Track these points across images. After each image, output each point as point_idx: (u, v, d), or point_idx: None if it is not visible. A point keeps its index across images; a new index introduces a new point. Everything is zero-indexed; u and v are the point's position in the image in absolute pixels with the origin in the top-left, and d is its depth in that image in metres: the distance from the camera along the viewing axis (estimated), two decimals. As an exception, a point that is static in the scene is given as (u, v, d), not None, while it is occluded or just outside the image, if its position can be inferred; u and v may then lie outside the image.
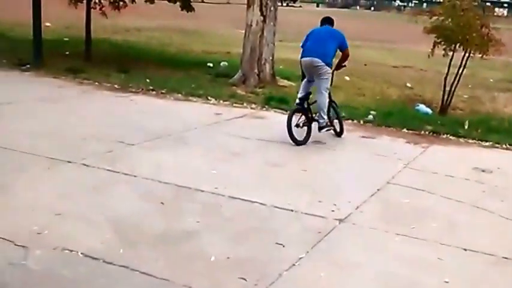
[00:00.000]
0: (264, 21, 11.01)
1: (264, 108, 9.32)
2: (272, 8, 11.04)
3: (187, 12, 13.27)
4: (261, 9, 10.93)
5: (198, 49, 17.21)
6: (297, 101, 7.44)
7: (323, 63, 7.18)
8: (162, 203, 4.94)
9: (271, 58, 11.27)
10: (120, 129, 7.36)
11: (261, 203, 5.07)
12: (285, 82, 11.49)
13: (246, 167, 6.23)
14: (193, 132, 7.58)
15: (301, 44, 7.62)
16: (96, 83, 10.37)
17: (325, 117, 7.30)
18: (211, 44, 18.65)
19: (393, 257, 4.19)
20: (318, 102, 7.33)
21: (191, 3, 13.27)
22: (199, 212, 4.80)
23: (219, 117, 8.54)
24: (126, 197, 5.03)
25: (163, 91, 9.93)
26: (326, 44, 7.32)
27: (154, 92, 9.96)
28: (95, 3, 12.82)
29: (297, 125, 7.19)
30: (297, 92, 7.70)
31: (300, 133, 7.18)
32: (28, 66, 11.44)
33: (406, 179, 6.13)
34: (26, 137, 6.64)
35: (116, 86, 10.07)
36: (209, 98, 9.68)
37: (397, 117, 8.93)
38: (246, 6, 11.29)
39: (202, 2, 34.90)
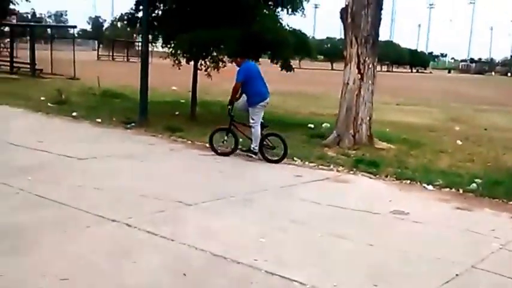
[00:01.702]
0: (362, 79, 10.09)
1: (351, 172, 8.27)
2: (370, 66, 10.12)
3: (287, 72, 12.82)
4: (358, 67, 10.05)
5: (307, 111, 16.61)
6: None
7: None
8: (184, 274, 4.18)
9: (368, 118, 10.23)
10: (186, 188, 6.82)
11: (301, 283, 4.09)
12: (384, 145, 10.33)
13: (302, 237, 5.26)
14: (261, 194, 6.79)
15: (240, 79, 8.55)
16: (189, 142, 10.08)
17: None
18: (323, 107, 17.96)
19: None
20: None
21: (291, 64, 12.81)
22: (221, 290, 3.96)
23: (297, 179, 7.68)
24: (148, 264, 4.33)
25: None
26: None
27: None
28: (201, 64, 12.89)
29: None
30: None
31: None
32: (133, 124, 11.59)
33: (499, 264, 4.74)
34: (89, 193, 6.34)
35: (207, 144, 9.70)
36: (295, 158, 8.87)
37: (507, 187, 7.37)
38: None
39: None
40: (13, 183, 6.41)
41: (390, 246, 5.13)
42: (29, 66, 26.59)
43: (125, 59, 53.83)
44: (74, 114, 12.76)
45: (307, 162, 8.72)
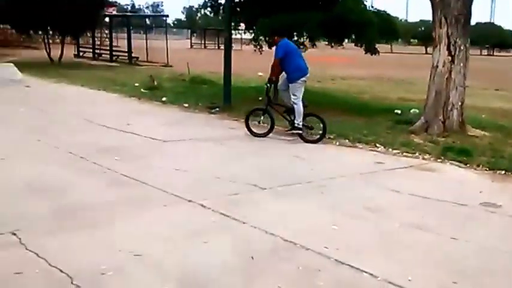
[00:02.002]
0: (452, 61, 9.42)
1: (439, 160, 7.77)
2: (462, 47, 9.41)
3: (372, 55, 12.33)
4: (448, 49, 9.39)
5: (395, 97, 15.95)
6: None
7: None
8: (252, 257, 4.11)
9: (460, 103, 9.55)
10: (262, 171, 6.76)
11: (372, 274, 3.88)
12: (477, 132, 9.63)
13: (377, 226, 5.00)
14: (338, 180, 6.56)
15: (280, 55, 8.56)
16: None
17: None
18: (413, 92, 17.16)
19: None
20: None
21: (375, 47, 12.30)
22: (288, 276, 3.84)
23: (379, 166, 7.34)
24: (218, 245, 4.32)
25: (330, 136, 9.08)
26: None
27: (322, 137, 9.18)
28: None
29: None
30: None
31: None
32: (217, 109, 11.73)
33: None
34: (169, 173, 6.47)
35: (286, 129, 9.57)
36: (377, 145, 8.51)
37: None
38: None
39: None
40: (102, 162, 6.70)
41: (476, 241, 4.73)
42: (126, 54, 27.83)
43: (216, 47, 54.83)
44: (164, 99, 13.14)
45: (390, 149, 8.32)
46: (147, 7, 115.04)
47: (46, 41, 23.59)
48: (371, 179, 6.70)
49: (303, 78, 8.67)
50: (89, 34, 31.09)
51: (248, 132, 8.93)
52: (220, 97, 12.48)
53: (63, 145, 7.53)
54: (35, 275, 3.60)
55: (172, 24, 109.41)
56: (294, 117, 8.65)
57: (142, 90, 14.94)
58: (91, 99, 13.12)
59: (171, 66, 25.61)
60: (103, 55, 30.12)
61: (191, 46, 57.95)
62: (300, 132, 8.63)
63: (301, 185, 6.23)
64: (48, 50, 23.32)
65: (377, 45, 12.82)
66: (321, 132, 8.63)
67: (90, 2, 21.55)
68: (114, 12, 30.74)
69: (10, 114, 9.93)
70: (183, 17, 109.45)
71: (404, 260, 4.23)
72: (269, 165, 7.25)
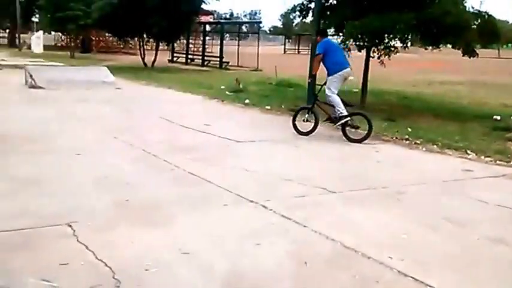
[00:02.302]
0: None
1: (538, 170, 7.01)
2: None
3: (470, 57, 11.46)
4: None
5: (496, 102, 14.79)
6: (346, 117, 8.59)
7: None
8: (305, 263, 3.84)
9: None
10: (334, 175, 6.45)
11: (437, 289, 3.47)
12: None
13: (454, 238, 4.52)
14: (418, 187, 6.07)
15: (321, 51, 8.74)
16: (353, 130, 9.61)
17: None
18: (518, 98, 15.88)
19: None
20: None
21: (474, 49, 11.41)
22: (340, 285, 3.54)
23: (466, 174, 6.74)
24: (271, 249, 4.08)
25: (418, 141, 8.53)
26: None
27: (407, 142, 8.62)
28: (373, 51, 12.25)
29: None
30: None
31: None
32: (299, 111, 11.55)
33: None
34: (237, 173, 6.35)
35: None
36: (468, 152, 7.85)
37: None
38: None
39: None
40: (172, 160, 6.72)
41: None
42: (217, 59, 28.45)
43: (309, 52, 54.84)
44: (247, 101, 13.15)
45: (482, 157, 7.64)
46: (245, 15, 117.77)
47: (141, 46, 24.69)
48: (455, 187, 6.14)
49: (341, 73, 8.70)
50: (184, 40, 32.26)
51: (295, 132, 9.05)
52: (305, 100, 12.25)
53: (139, 143, 7.67)
54: (79, 267, 3.57)
55: (268, 31, 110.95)
56: (336, 114, 8.71)
57: (227, 92, 15.09)
58: (175, 100, 13.41)
59: (260, 70, 25.80)
60: (195, 60, 31.05)
61: (284, 52, 58.25)
62: (344, 120, 8.62)
63: (375, 190, 5.84)
64: (142, 55, 24.37)
65: (481, 50, 11.94)
66: (366, 131, 8.54)
67: (184, 10, 22.22)
68: (209, 20, 31.50)
69: (96, 113, 10.35)
70: (279, 24, 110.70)
71: (477, 277, 3.77)
72: (344, 168, 6.92)
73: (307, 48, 60.95)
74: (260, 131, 9.40)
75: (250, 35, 51.78)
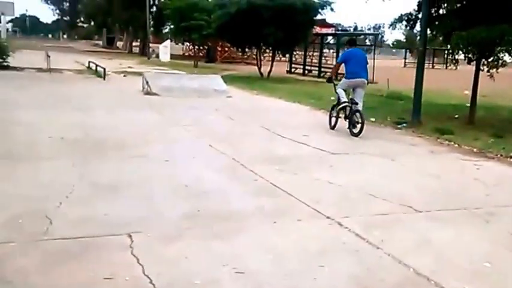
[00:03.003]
0: None
1: None
2: None
3: None
4: None
5: None
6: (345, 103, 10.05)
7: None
8: (366, 289, 3.50)
9: None
10: (425, 193, 5.93)
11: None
12: None
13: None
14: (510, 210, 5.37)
15: (339, 60, 10.78)
16: (456, 145, 8.88)
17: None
18: None
19: None
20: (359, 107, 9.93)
21: None
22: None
23: None
24: (334, 272, 3.77)
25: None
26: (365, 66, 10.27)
27: (512, 160, 7.76)
28: (483, 64, 11.20)
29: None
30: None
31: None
32: (404, 125, 10.90)
33: None
34: (321, 186, 6.08)
35: (474, 149, 8.36)
36: None
37: None
38: None
39: None
40: (258, 170, 6.59)
41: None
42: (333, 70, 28.08)
43: (430, 66, 52.19)
44: (352, 113, 12.73)
45: None
46: (368, 29, 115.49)
47: (258, 56, 25.12)
48: None
49: (352, 80, 10.13)
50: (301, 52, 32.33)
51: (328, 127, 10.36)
52: (411, 113, 11.58)
53: (231, 152, 7.66)
54: (123, 283, 3.49)
55: (391, 45, 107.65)
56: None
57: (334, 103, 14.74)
58: (281, 110, 13.35)
59: (375, 82, 24.98)
60: (313, 71, 30.93)
61: (404, 65, 56.11)
62: (343, 105, 10.16)
63: (466, 211, 5.27)
64: (259, 65, 24.76)
65: None
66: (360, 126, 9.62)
67: (299, 21, 22.22)
68: (322, 31, 31.24)
69: (198, 121, 10.57)
70: (402, 37, 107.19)
71: None
72: (438, 185, 6.34)
73: (428, 62, 58.37)
74: (357, 144, 8.98)
75: (372, 48, 50.59)
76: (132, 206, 5.04)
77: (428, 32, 11.78)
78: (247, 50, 28.89)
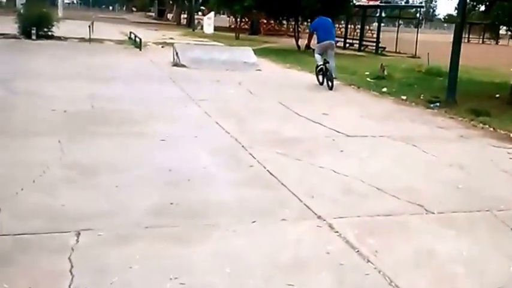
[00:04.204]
0: None
1: None
2: None
3: None
4: None
5: None
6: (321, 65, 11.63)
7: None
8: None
9: None
10: (444, 186, 4.97)
11: None
12: None
13: None
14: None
15: (311, 30, 12.59)
16: (491, 129, 7.70)
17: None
18: None
19: None
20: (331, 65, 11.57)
21: None
22: None
23: None
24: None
25: None
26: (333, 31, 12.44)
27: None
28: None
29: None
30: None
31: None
32: (437, 104, 9.70)
33: None
34: (321, 176, 5.19)
35: (511, 134, 7.17)
36: None
37: None
38: None
39: None
40: (258, 154, 5.73)
41: None
42: (374, 44, 26.48)
43: (480, 41, 49.02)
44: (384, 89, 11.59)
45: None
46: (420, 2, 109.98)
47: (296, 29, 23.88)
48: None
49: (323, 44, 11.68)
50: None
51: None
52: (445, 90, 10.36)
53: (237, 130, 6.80)
54: None
55: (443, 19, 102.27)
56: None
57: (368, 79, 13.59)
58: (307, 85, 12.28)
59: (418, 57, 23.35)
60: (355, 45, 29.33)
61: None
62: (319, 68, 11.68)
63: (488, 213, 4.29)
64: (296, 38, 23.53)
65: None
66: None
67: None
68: (369, 3, 29.38)
69: (217, 95, 9.73)
70: (455, 12, 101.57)
71: None
72: (460, 178, 5.32)
73: (477, 37, 54.89)
74: (381, 124, 7.94)
75: (423, 22, 47.87)
76: (99, 194, 4.30)
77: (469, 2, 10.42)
78: (284, 22, 27.51)
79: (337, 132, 7.13)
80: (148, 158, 5.43)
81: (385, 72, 14.35)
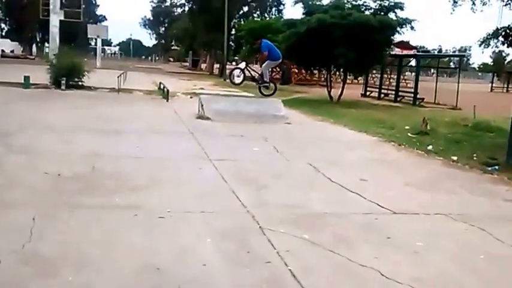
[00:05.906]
0: None
1: None
2: None
3: None
4: None
5: None
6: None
7: None
8: None
9: None
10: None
11: None
12: None
13: None
14: None
15: (265, 50, 13.71)
16: None
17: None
18: None
19: None
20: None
21: None
22: None
23: None
24: None
25: None
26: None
27: None
28: None
29: None
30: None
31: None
32: (496, 167, 8.14)
33: None
34: (358, 281, 3.74)
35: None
36: None
37: None
38: None
39: None
40: (279, 242, 4.37)
41: None
42: (412, 95, 25.06)
43: (505, 90, 46.90)
44: (429, 147, 10.11)
45: None
46: (453, 51, 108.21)
47: (328, 79, 22.74)
48: None
49: (275, 62, 14.34)
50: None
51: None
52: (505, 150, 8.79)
53: (252, 203, 5.45)
54: None
55: (477, 68, 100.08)
56: (262, 79, 14.39)
57: (409, 134, 12.11)
58: (342, 141, 10.88)
59: (459, 109, 21.81)
60: (390, 95, 27.95)
61: (491, 90, 50.99)
62: (267, 85, 14.44)
63: None
64: (329, 88, 22.35)
65: None
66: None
67: (374, 41, 19.57)
68: (403, 52, 28.15)
69: (237, 154, 8.41)
70: (489, 61, 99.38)
71: None
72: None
73: (503, 86, 52.54)
74: (431, 196, 6.42)
75: (457, 71, 46.39)
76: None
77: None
78: (316, 71, 26.45)
79: (380, 207, 5.68)
80: (134, 249, 4.10)
81: (428, 127, 12.86)
